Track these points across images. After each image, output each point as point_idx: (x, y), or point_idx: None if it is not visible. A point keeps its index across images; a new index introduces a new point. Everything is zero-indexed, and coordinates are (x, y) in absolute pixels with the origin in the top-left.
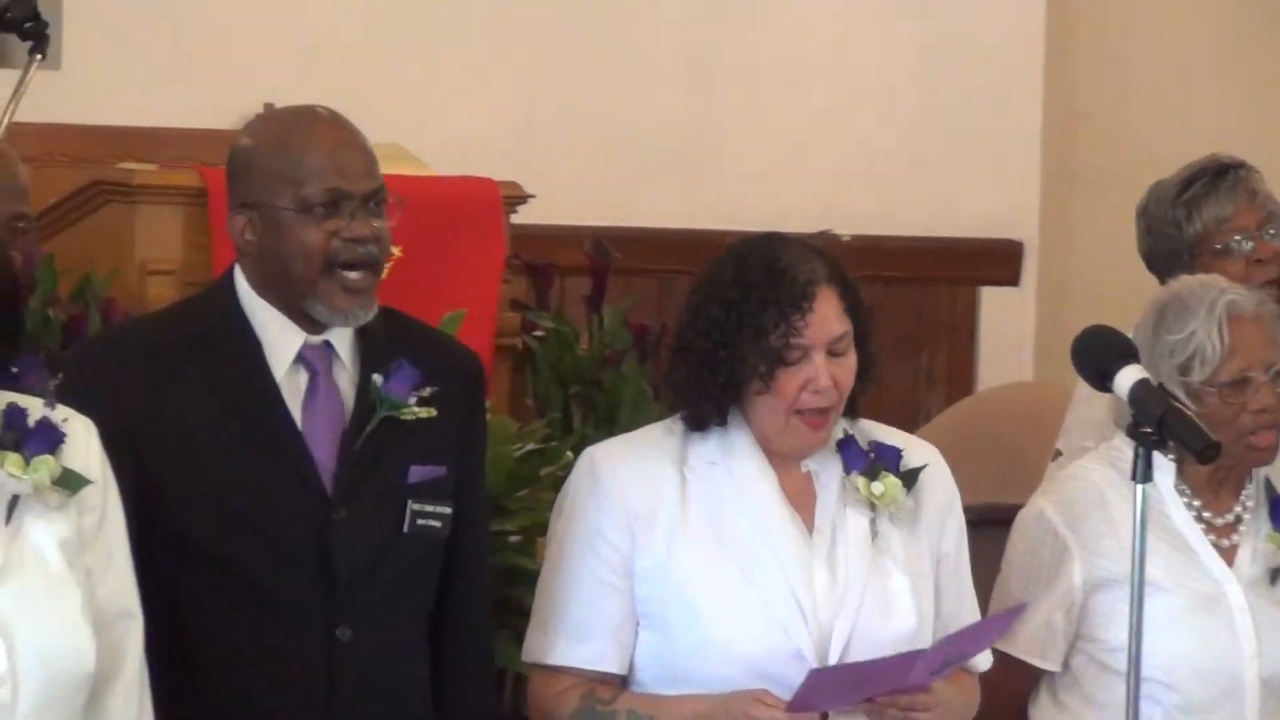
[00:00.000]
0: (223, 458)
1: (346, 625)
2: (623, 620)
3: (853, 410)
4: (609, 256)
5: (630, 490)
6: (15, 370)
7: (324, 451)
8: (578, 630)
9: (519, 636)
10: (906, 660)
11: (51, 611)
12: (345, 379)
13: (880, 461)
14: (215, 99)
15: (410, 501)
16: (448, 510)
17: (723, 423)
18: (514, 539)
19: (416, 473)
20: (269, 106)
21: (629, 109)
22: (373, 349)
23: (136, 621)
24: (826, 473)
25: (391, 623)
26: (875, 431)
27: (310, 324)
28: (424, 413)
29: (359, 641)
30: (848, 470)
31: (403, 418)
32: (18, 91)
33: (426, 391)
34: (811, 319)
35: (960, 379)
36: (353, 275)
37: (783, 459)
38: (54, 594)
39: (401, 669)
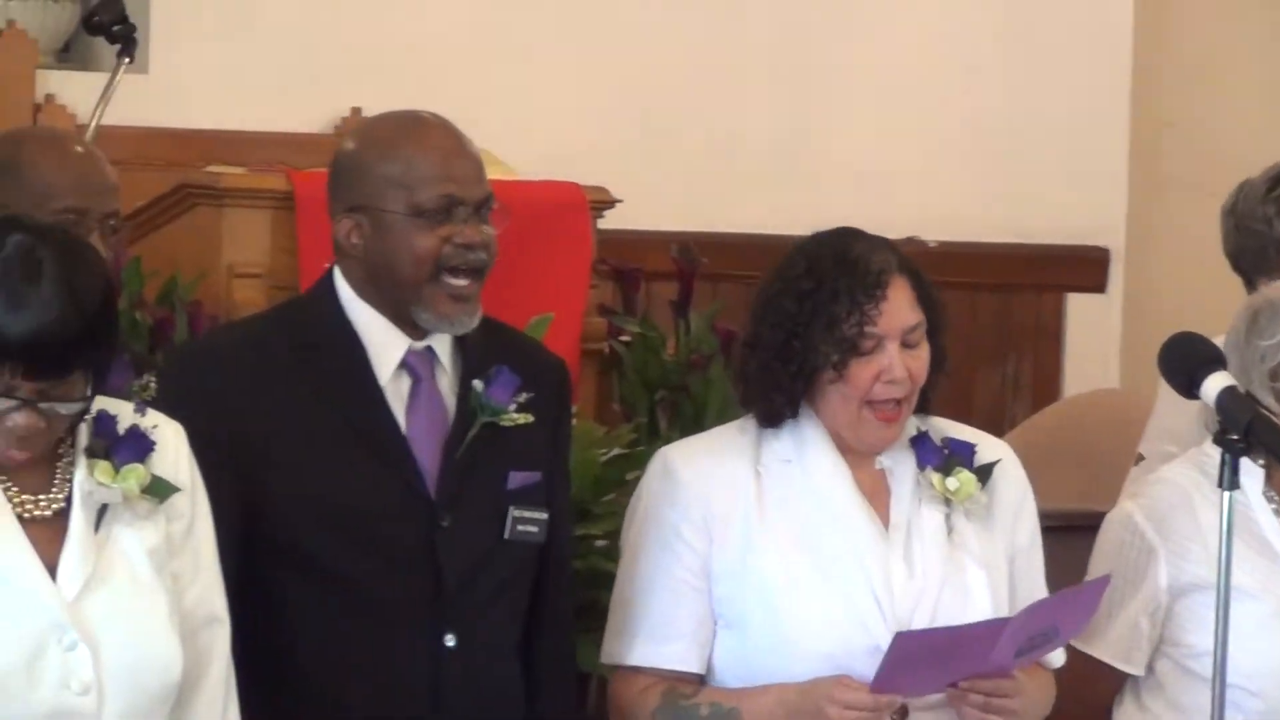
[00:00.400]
0: (328, 462)
1: (453, 632)
2: (702, 620)
3: (925, 406)
4: (696, 261)
5: (706, 490)
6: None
7: (427, 457)
8: (657, 631)
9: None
10: (992, 630)
11: (140, 621)
12: (446, 384)
13: (954, 457)
14: (303, 103)
15: (511, 508)
16: (544, 516)
17: (795, 416)
18: (600, 543)
19: (516, 479)
20: (356, 111)
21: (718, 114)
22: (472, 355)
23: (223, 627)
24: (900, 469)
25: (493, 628)
26: (947, 428)
27: (413, 329)
28: (522, 419)
29: (464, 648)
30: (922, 466)
31: (502, 424)
32: (106, 95)
33: (523, 397)
34: (885, 308)
35: (1046, 385)
36: (459, 282)
37: (856, 455)
38: (142, 603)
39: (501, 673)
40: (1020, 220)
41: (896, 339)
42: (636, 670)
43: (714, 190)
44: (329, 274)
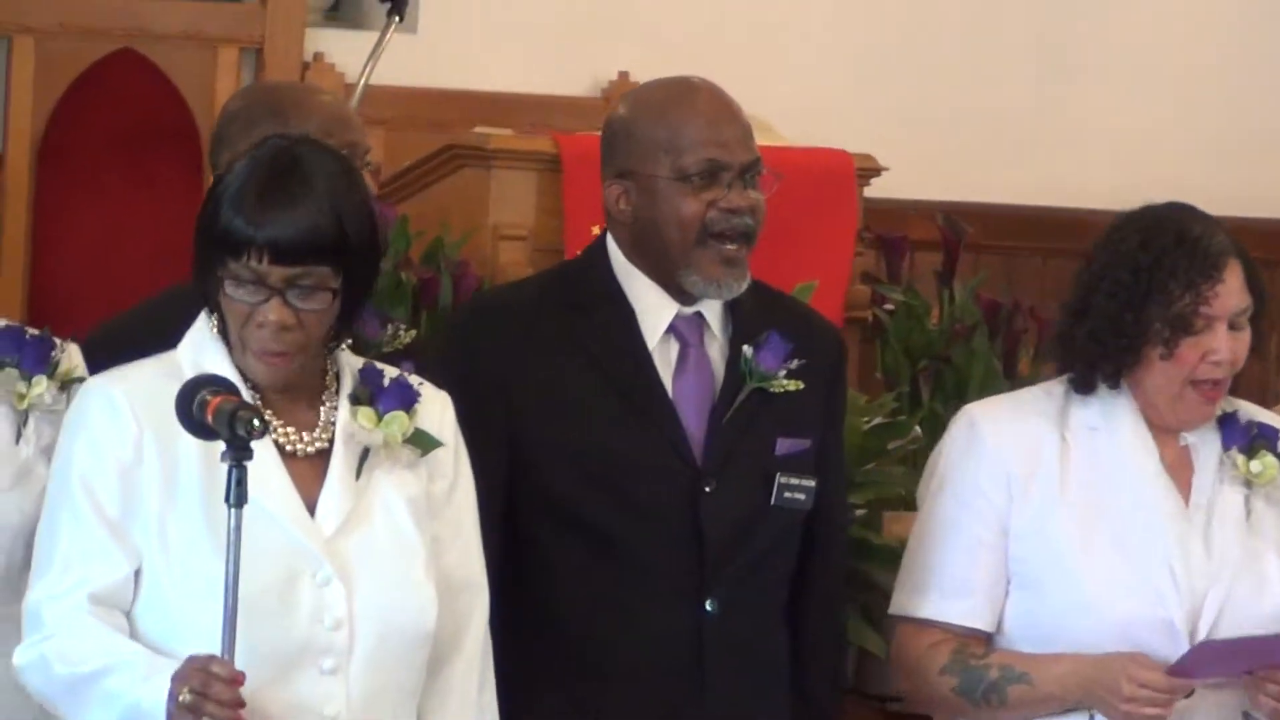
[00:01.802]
0: (596, 424)
1: (714, 597)
2: (997, 578)
3: (1234, 389)
4: (961, 231)
5: (1010, 448)
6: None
7: (694, 422)
8: (953, 586)
9: (865, 611)
10: None
11: (395, 565)
12: (715, 349)
13: (1261, 439)
14: (570, 67)
15: (778, 474)
16: (812, 483)
17: (1115, 385)
18: (860, 512)
19: (784, 445)
20: (624, 76)
21: (984, 85)
22: (742, 320)
23: (482, 594)
24: (1205, 447)
25: (756, 595)
26: (1255, 412)
27: (682, 294)
28: (792, 385)
29: (725, 614)
30: (1226, 446)
31: (771, 389)
32: (375, 54)
33: (794, 364)
34: (1220, 289)
35: None
36: (728, 247)
37: (1161, 430)
38: (399, 549)
39: (765, 642)
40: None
41: (1225, 320)
42: (927, 624)
43: (979, 160)
44: (601, 238)
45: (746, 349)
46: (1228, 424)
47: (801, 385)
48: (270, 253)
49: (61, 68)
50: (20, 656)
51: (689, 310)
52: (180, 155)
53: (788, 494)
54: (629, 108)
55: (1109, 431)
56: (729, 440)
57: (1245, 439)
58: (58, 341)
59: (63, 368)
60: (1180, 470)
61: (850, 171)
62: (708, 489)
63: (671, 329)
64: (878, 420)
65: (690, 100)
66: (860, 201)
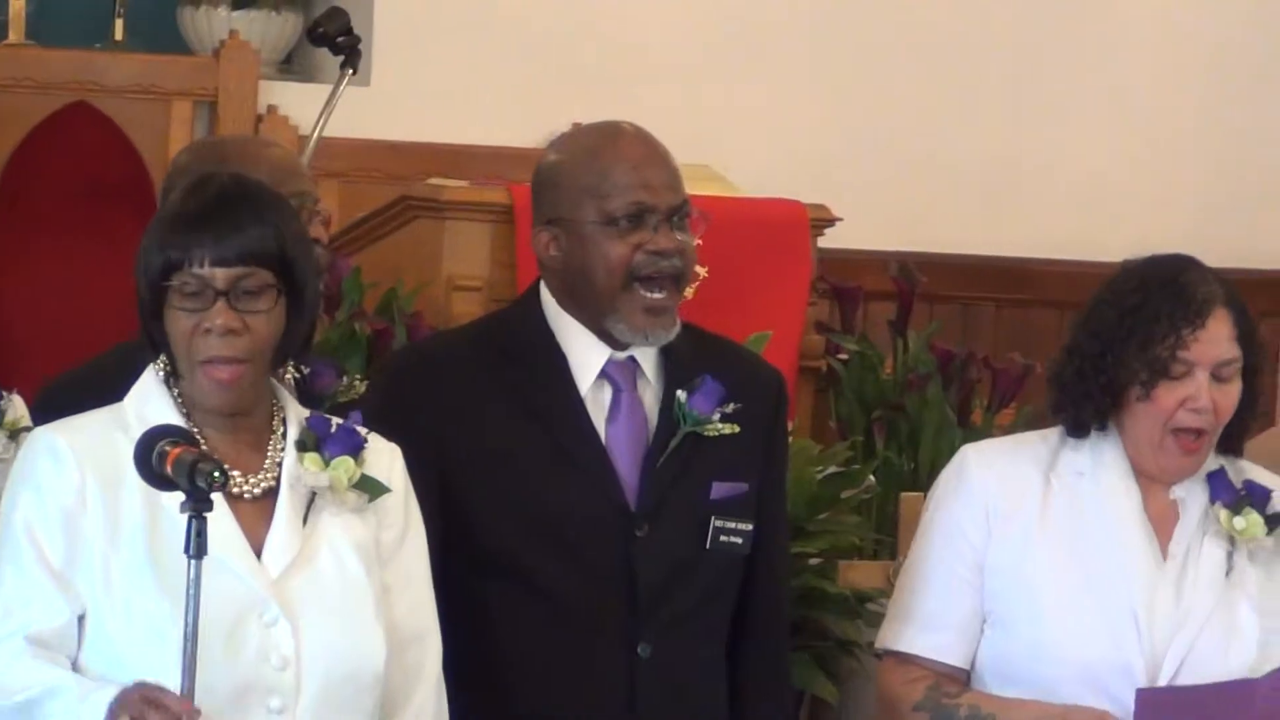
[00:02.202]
0: (528, 472)
1: (647, 642)
2: (971, 615)
3: (1236, 448)
4: (915, 280)
5: (994, 486)
6: (306, 372)
7: (627, 467)
8: (930, 620)
9: (819, 659)
10: (1245, 688)
11: (343, 606)
12: (649, 394)
13: (1248, 497)
14: (524, 117)
15: (713, 518)
16: (749, 527)
17: (1102, 428)
18: (814, 561)
19: (719, 489)
20: (577, 126)
21: (939, 133)
22: (677, 364)
23: (434, 642)
24: (1192, 501)
25: (691, 639)
26: (1253, 472)
27: (614, 340)
28: (727, 429)
29: (659, 658)
30: (1213, 500)
31: (706, 434)
32: (329, 106)
33: (730, 407)
34: (1202, 336)
35: None
36: (654, 295)
37: (1150, 482)
38: (347, 591)
39: (701, 686)
40: (1254, 245)
41: (1207, 369)
42: (905, 659)
43: (933, 210)
44: (534, 286)
45: (680, 393)
46: (1216, 479)
47: (737, 429)
48: (211, 254)
49: (16, 120)
50: None
51: (621, 355)
52: (134, 207)
53: (723, 538)
54: (557, 154)
55: (1094, 477)
56: (662, 485)
57: (1232, 496)
58: (1, 392)
59: (9, 417)
60: (1164, 522)
61: (804, 221)
62: (639, 533)
63: (604, 374)
64: (831, 469)
65: (615, 144)
66: (814, 251)
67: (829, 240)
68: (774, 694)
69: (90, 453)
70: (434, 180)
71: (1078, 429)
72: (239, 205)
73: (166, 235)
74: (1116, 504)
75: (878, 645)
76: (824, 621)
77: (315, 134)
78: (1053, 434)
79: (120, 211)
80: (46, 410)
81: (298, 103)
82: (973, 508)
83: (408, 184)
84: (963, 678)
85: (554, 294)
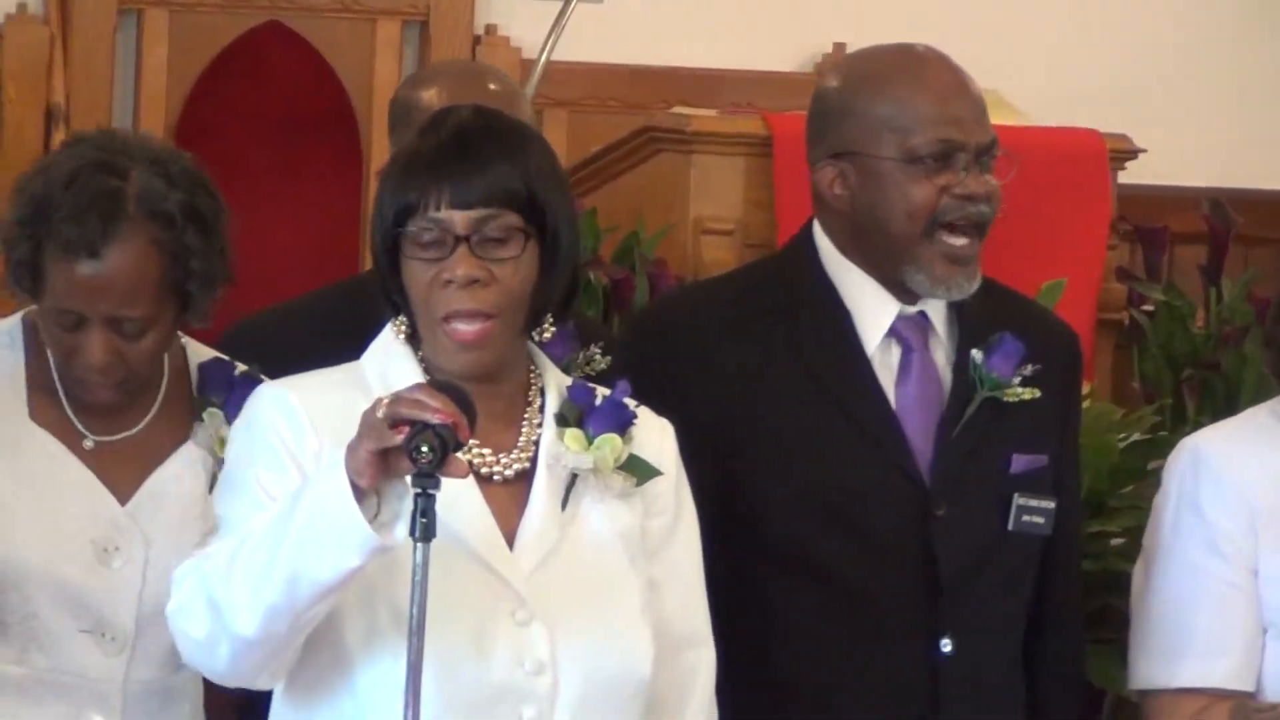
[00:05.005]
0: (811, 444)
1: (949, 635)
2: (1255, 631)
3: None
4: (1230, 221)
5: (1246, 481)
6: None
7: (919, 437)
8: (1209, 646)
9: (1122, 654)
10: None
11: (604, 604)
12: (940, 354)
13: None
14: (779, 39)
15: (1015, 495)
16: (1051, 505)
17: None
18: (1116, 542)
19: (1019, 462)
20: (839, 48)
21: (1256, 54)
22: (970, 320)
23: (708, 650)
24: None
25: (993, 634)
26: None
27: (903, 292)
28: (1027, 394)
29: (962, 655)
30: None
31: (1005, 399)
32: (557, 26)
33: (1028, 369)
34: None
35: None
36: (957, 241)
37: None
38: (609, 588)
39: (1002, 684)
40: None
41: None
42: (1185, 692)
43: (1249, 140)
44: (807, 229)
45: (976, 353)
46: None
47: (1038, 394)
48: (450, 195)
49: (200, 44)
50: (171, 605)
51: (911, 309)
52: (335, 141)
53: (1026, 517)
54: (844, 80)
55: None
56: (959, 457)
57: None
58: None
59: (220, 433)
60: None
61: (1103, 154)
62: (939, 513)
63: (892, 331)
64: (1135, 436)
65: (918, 72)
66: (1114, 188)
67: (1130, 175)
68: (1068, 697)
69: (324, 413)
70: (678, 109)
71: None
72: (481, 141)
73: (401, 178)
74: None
75: (1140, 685)
76: (1126, 608)
77: (542, 58)
78: None
79: (320, 145)
80: (229, 355)
81: (521, 22)
82: (1233, 505)
83: (648, 114)
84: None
85: (833, 238)
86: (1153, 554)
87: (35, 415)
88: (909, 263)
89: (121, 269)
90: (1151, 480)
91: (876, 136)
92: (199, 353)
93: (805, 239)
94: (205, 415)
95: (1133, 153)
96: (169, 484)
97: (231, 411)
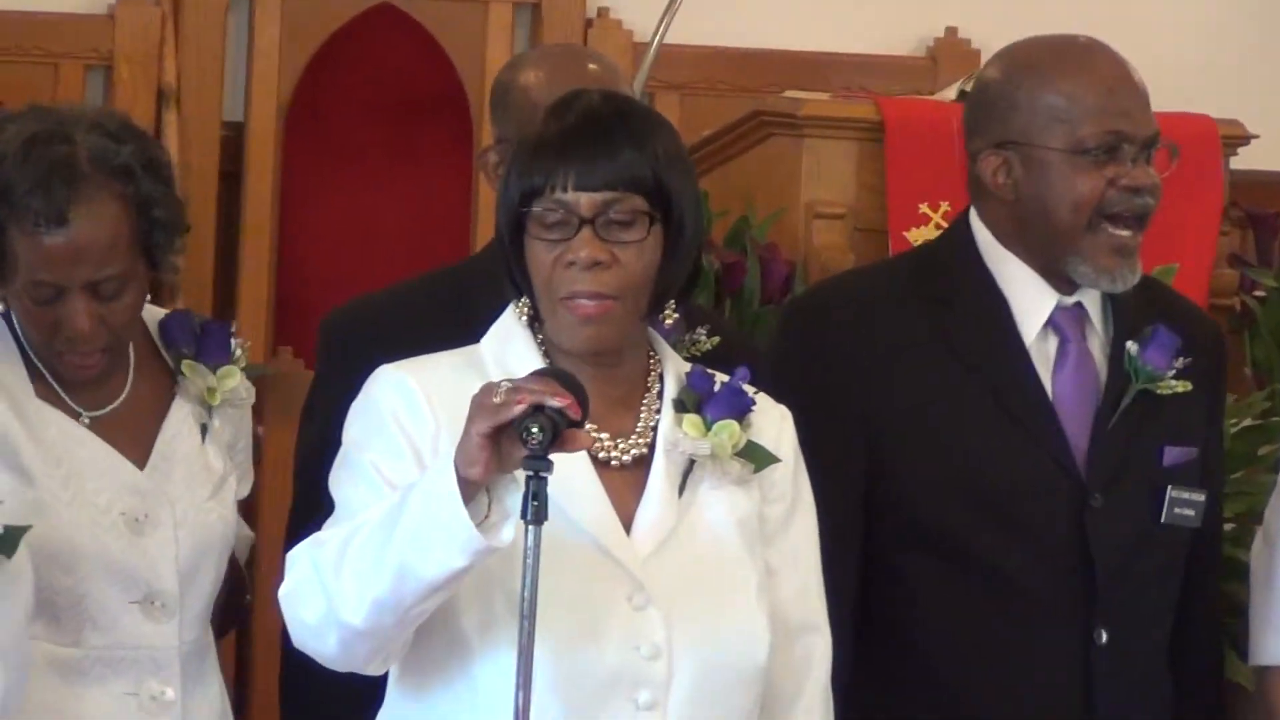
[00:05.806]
0: (967, 433)
1: (1104, 627)
2: None
3: None
4: None
5: None
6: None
7: (1076, 428)
8: None
9: (1233, 640)
10: None
11: (720, 589)
12: (1096, 346)
13: None
14: (891, 23)
15: (1169, 488)
16: (1201, 498)
17: None
18: (1228, 527)
19: (1171, 454)
20: (952, 32)
21: None
22: (1123, 312)
23: (824, 638)
24: None
25: (1146, 625)
26: None
27: (1061, 282)
28: (1180, 387)
29: (1117, 646)
30: None
31: (1158, 391)
32: (670, 9)
33: (1181, 362)
34: None
35: None
36: (1122, 233)
37: None
38: (726, 573)
39: (1155, 682)
40: None
41: None
42: None
43: None
44: (964, 218)
45: (1131, 345)
46: None
47: (1189, 386)
48: (576, 177)
49: (312, 26)
50: (283, 589)
51: (1069, 301)
52: (446, 125)
53: (1178, 510)
54: (1007, 69)
55: None
56: (1115, 449)
57: None
58: (233, 327)
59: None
60: None
61: (1215, 139)
62: (1093, 504)
63: (1050, 322)
64: (1246, 422)
65: (1086, 62)
66: (1226, 173)
67: (1243, 161)
68: (1213, 690)
69: (442, 396)
70: (790, 93)
71: None
72: (609, 125)
73: (528, 160)
74: None
75: (1263, 661)
76: (1239, 595)
77: (655, 41)
78: None
79: (431, 129)
80: (333, 338)
81: (633, 5)
82: None
83: (760, 97)
84: None
85: (994, 228)
86: (1274, 532)
87: (40, 396)
88: (1073, 254)
89: (92, 231)
90: (1262, 466)
91: (1043, 127)
92: (153, 313)
93: (961, 228)
94: (185, 369)
95: (1245, 138)
96: (173, 443)
97: (205, 359)
